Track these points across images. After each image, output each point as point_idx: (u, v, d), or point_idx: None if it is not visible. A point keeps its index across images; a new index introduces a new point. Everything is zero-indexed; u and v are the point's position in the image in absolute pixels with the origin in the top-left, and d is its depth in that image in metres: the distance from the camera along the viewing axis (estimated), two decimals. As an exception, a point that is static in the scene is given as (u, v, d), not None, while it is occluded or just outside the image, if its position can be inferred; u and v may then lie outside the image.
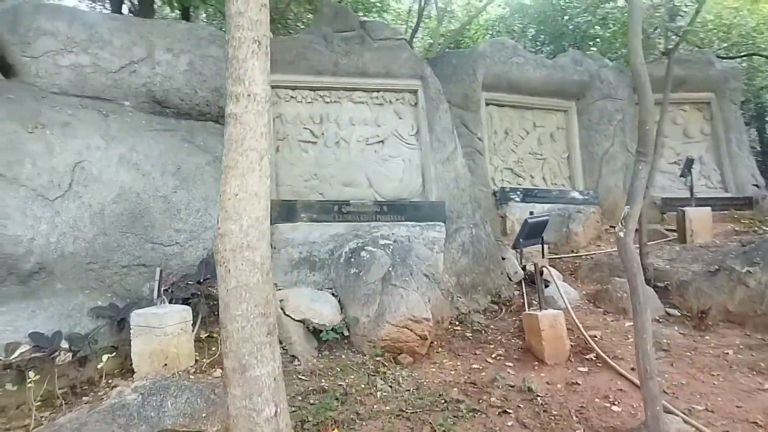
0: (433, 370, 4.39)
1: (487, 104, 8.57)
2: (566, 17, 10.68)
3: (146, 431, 2.82)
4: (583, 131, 9.10)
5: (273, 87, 6.15)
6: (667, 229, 7.90)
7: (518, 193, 8.21)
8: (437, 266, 5.66)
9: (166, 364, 3.65)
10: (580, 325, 4.76)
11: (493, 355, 4.60)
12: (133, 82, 5.35)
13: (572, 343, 4.62)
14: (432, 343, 4.78)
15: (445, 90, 7.88)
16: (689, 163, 7.61)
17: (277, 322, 4.37)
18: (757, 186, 8.96)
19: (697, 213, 7.31)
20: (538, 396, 3.72)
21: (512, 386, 3.91)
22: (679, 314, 5.30)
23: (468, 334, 5.15)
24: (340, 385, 3.82)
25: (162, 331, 3.68)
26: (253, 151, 2.06)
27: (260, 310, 1.99)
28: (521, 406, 3.63)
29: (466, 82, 8.13)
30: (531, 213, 7.27)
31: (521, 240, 4.59)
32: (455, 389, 3.94)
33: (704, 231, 7.26)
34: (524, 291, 6.00)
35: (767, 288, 4.95)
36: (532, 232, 4.57)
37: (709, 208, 7.47)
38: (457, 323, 5.36)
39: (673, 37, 6.31)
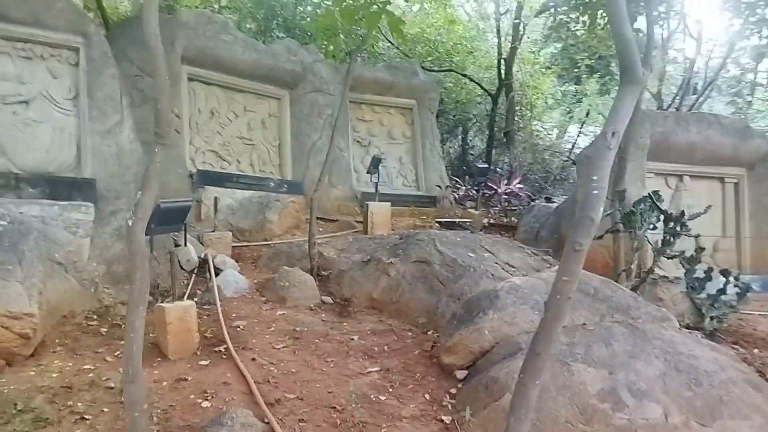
0: (32, 374, 3.74)
1: (191, 80, 8.01)
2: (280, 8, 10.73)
3: None
4: (294, 121, 9.20)
5: None
6: (357, 221, 8.45)
7: (218, 177, 7.87)
8: (81, 253, 4.96)
9: None
10: (221, 316, 4.62)
11: (116, 353, 4.14)
12: None
13: (210, 335, 4.46)
14: (45, 341, 4.12)
15: (137, 57, 7.10)
16: (376, 162, 8.24)
17: None
18: (440, 187, 10.20)
19: (378, 207, 7.96)
20: (132, 397, 3.40)
21: (112, 388, 3.52)
22: (332, 302, 5.58)
23: (104, 330, 4.59)
24: None
25: None
26: None
27: None
28: (106, 409, 3.26)
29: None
30: (216, 198, 7.03)
31: (152, 226, 4.20)
32: (42, 396, 3.38)
33: (383, 224, 7.94)
34: (192, 281, 5.70)
35: (403, 278, 5.50)
36: (167, 218, 4.23)
37: (388, 204, 8.21)
38: (95, 317, 4.75)
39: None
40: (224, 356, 4.09)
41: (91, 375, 3.72)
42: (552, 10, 11.31)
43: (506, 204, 9.39)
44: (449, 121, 13.90)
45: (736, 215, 8.00)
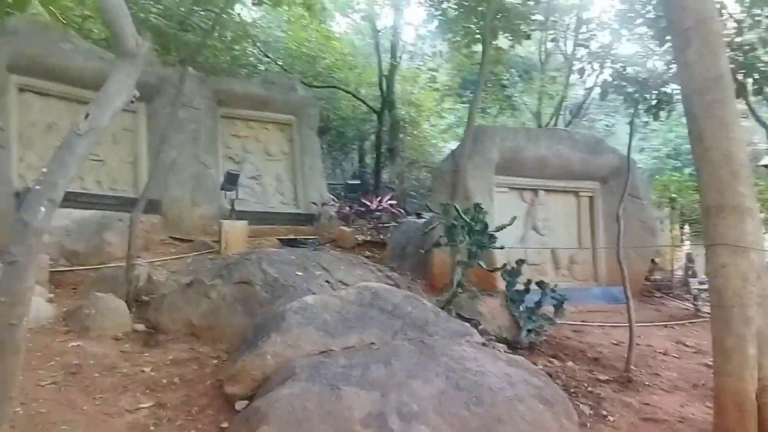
0: None
1: (22, 90, 7.34)
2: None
3: None
4: (151, 136, 8.66)
5: None
6: (214, 241, 7.99)
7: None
8: None
9: None
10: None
11: None
12: None
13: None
14: None
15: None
16: (232, 178, 7.85)
17: None
18: (315, 204, 9.92)
19: (233, 226, 7.57)
20: None
21: None
22: (145, 330, 5.09)
23: None
24: None
25: None
26: None
27: None
28: None
29: (-16, 60, 6.76)
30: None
31: None
32: None
33: (238, 243, 7.54)
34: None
35: (223, 300, 5.12)
36: None
37: (245, 222, 7.83)
38: None
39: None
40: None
41: None
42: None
43: (377, 221, 9.24)
44: (343, 138, 13.73)
45: (591, 228, 8.22)
